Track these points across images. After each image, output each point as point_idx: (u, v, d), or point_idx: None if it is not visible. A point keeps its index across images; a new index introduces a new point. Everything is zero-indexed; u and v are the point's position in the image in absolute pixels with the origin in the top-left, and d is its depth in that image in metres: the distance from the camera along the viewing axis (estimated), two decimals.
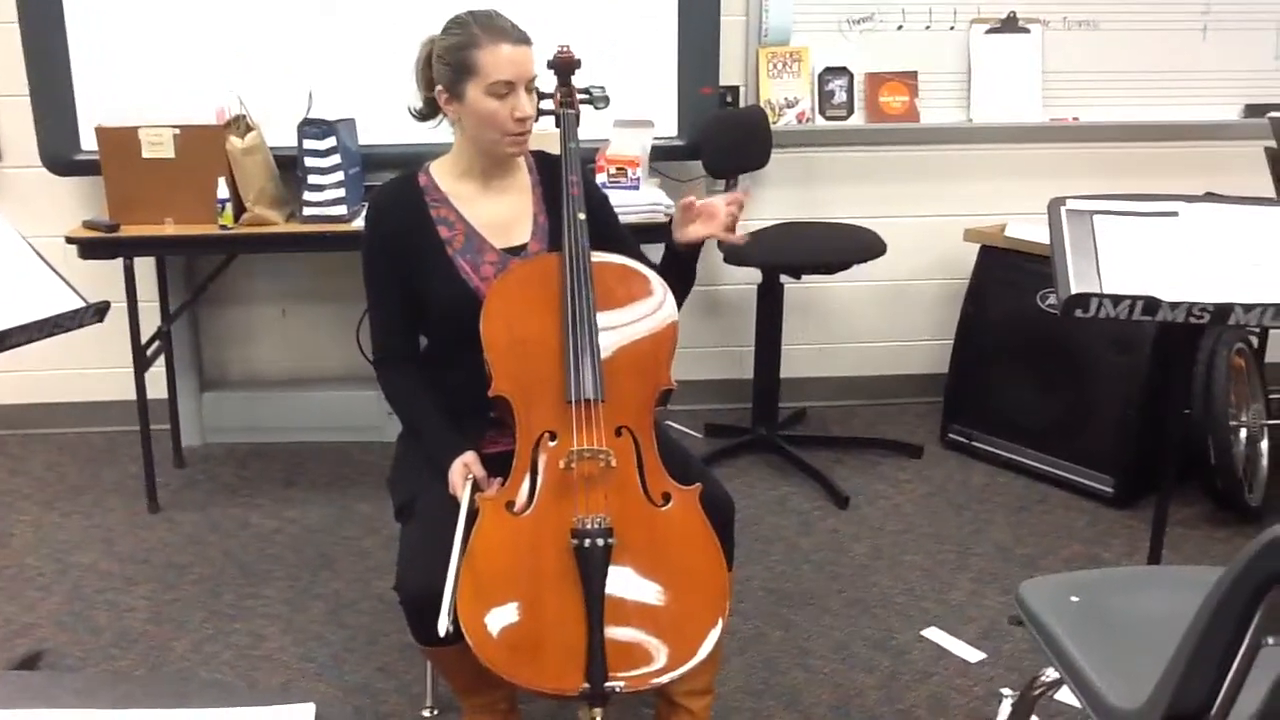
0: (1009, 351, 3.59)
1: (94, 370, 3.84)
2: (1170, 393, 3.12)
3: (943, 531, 3.24)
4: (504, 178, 2.23)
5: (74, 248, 3.15)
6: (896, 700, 2.48)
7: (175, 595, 2.92)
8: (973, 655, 2.64)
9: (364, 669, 2.60)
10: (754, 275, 3.64)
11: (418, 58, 2.19)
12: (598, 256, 2.11)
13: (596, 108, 2.33)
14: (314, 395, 3.91)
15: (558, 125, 2.25)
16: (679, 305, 2.14)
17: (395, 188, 2.22)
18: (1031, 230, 3.49)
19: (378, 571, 3.01)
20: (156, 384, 3.51)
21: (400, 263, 2.16)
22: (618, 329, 2.07)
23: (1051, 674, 1.82)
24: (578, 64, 2.30)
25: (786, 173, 3.88)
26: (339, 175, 3.19)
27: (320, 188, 3.20)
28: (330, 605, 2.87)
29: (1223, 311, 2.11)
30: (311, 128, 3.16)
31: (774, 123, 3.73)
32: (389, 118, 3.36)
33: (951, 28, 3.83)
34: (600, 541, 1.81)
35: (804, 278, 3.71)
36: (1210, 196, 2.80)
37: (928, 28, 3.83)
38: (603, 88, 2.33)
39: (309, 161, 3.17)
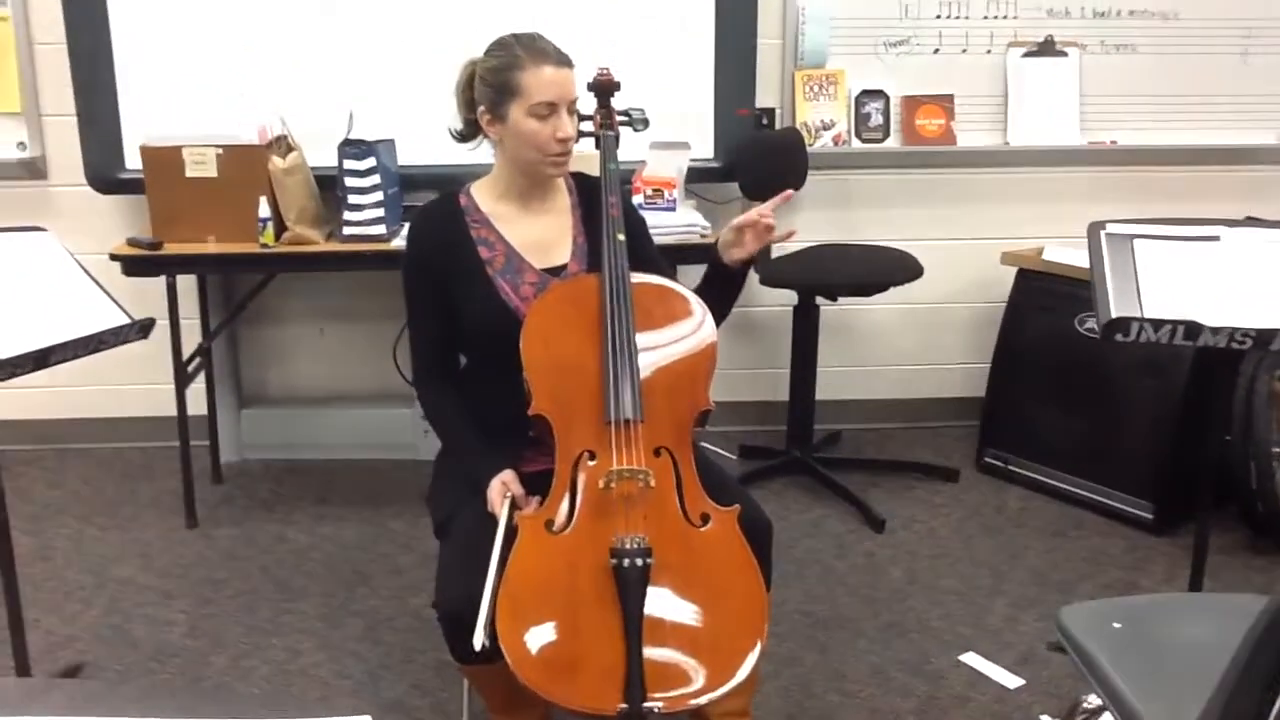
0: (1046, 375, 3.57)
1: (130, 386, 3.88)
2: (1209, 418, 3.10)
3: (979, 556, 3.22)
4: (543, 199, 2.24)
5: (117, 265, 3.20)
6: None
7: (212, 610, 2.94)
8: (1011, 681, 2.62)
9: (399, 686, 2.61)
10: (790, 297, 3.64)
11: (459, 80, 2.21)
12: (637, 277, 2.11)
13: (636, 130, 2.35)
14: (350, 413, 3.94)
15: (597, 147, 2.27)
16: (721, 321, 2.15)
17: (436, 208, 2.24)
18: (1070, 254, 3.47)
19: (412, 589, 3.02)
20: (194, 401, 3.54)
21: (440, 283, 2.18)
22: (657, 349, 2.08)
23: (1093, 700, 1.81)
24: (617, 86, 2.32)
25: (823, 195, 3.88)
26: (378, 195, 3.23)
27: (360, 207, 3.23)
28: (366, 622, 2.88)
29: (1265, 337, 2.10)
30: (351, 148, 3.20)
31: (810, 145, 3.74)
32: (428, 139, 3.40)
33: (988, 51, 3.83)
34: (639, 561, 1.81)
35: (840, 300, 3.71)
36: (1251, 221, 2.78)
37: (964, 51, 3.83)
38: (642, 110, 2.34)
39: (349, 181, 3.21)
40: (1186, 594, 2.58)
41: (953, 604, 2.96)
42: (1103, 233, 2.26)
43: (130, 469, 3.82)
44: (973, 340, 4.06)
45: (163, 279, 3.23)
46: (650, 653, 1.76)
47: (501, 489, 2.04)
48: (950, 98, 3.83)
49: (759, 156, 3.64)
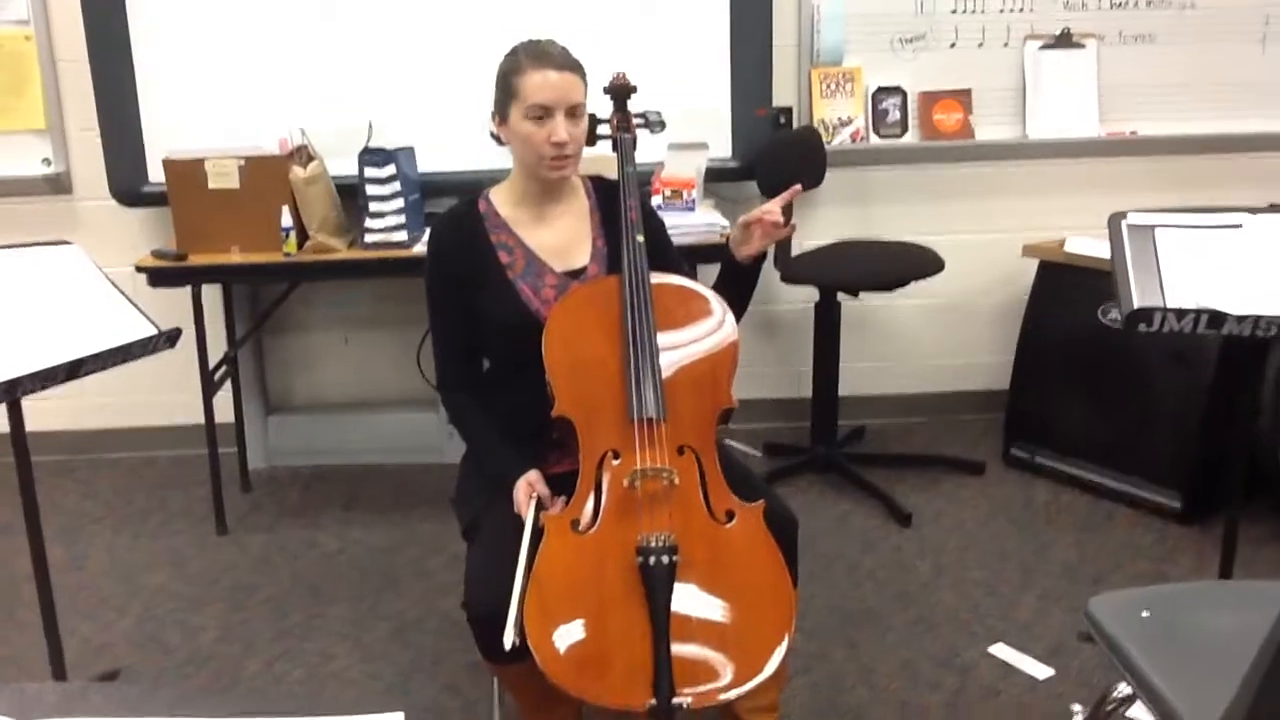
0: (1071, 367, 3.56)
1: (157, 396, 3.92)
2: (1236, 407, 3.08)
3: (1006, 549, 3.21)
4: (560, 202, 2.26)
5: (143, 277, 3.23)
6: (964, 717, 2.46)
7: (244, 616, 2.97)
8: (1041, 672, 2.61)
9: (430, 688, 2.63)
10: (811, 294, 3.64)
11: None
12: (657, 278, 2.13)
13: (653, 132, 2.37)
14: (375, 418, 3.97)
15: (615, 150, 2.28)
16: (739, 317, 2.16)
17: (455, 215, 2.26)
18: (1091, 245, 3.46)
19: (441, 591, 3.04)
20: (222, 409, 3.57)
21: (462, 288, 2.19)
22: (678, 348, 2.09)
23: (1124, 689, 1.80)
24: (633, 89, 2.34)
25: (842, 192, 3.88)
26: (399, 202, 3.25)
27: (381, 215, 3.25)
28: (396, 625, 2.90)
29: None
30: (372, 156, 3.23)
31: (828, 142, 3.74)
32: (447, 146, 3.45)
33: (1005, 44, 3.82)
34: (665, 559, 1.82)
35: (861, 295, 3.71)
36: (1274, 208, 2.77)
37: (981, 45, 3.82)
38: (659, 112, 2.36)
39: (370, 189, 3.23)
40: (1216, 582, 2.57)
41: (981, 597, 2.95)
42: (1124, 223, 2.25)
43: (160, 478, 3.86)
44: (996, 333, 4.05)
45: (188, 289, 3.27)
46: (678, 649, 1.77)
47: (527, 490, 2.05)
48: (968, 92, 3.83)
49: (777, 155, 3.64)
